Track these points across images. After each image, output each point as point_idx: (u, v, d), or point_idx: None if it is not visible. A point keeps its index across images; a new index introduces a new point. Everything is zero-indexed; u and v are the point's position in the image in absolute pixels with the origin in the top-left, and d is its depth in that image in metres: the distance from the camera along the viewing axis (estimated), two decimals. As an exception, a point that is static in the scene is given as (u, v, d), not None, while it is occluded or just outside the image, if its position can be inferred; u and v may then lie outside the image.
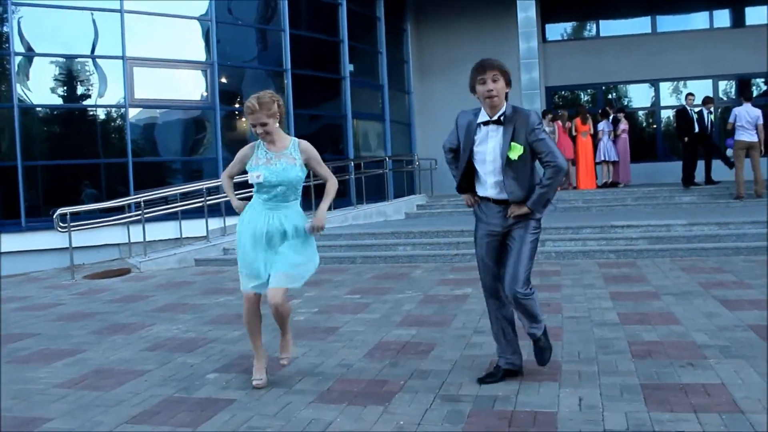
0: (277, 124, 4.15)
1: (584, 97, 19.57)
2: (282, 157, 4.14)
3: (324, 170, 4.33)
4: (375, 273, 8.83)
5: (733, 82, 18.33)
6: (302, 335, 5.44)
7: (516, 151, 3.73)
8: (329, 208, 4.51)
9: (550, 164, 3.75)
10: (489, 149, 3.82)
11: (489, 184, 3.87)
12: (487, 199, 3.92)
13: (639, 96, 19.29)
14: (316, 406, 3.82)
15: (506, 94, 3.80)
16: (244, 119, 13.80)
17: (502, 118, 3.77)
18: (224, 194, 11.68)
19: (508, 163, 3.76)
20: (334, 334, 5.55)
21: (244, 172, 4.30)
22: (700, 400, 3.58)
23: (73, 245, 10.14)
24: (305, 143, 4.27)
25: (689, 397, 3.63)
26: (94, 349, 5.46)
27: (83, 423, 3.74)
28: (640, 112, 19.37)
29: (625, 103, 18.84)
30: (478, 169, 3.89)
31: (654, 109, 19.01)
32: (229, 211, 11.67)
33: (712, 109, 13.68)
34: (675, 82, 18.73)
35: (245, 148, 4.28)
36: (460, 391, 3.93)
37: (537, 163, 3.85)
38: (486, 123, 3.81)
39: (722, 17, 18.70)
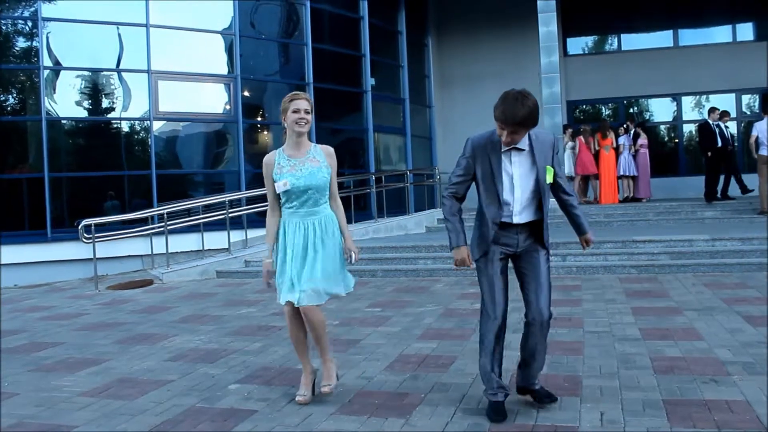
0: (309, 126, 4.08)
1: (605, 111, 19.50)
2: (306, 162, 4.06)
3: (335, 187, 4.22)
4: (395, 286, 8.85)
5: (757, 96, 18.14)
6: (323, 347, 5.47)
7: (551, 174, 3.72)
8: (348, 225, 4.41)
9: (570, 194, 3.95)
10: (518, 174, 3.67)
11: (515, 210, 3.70)
12: (507, 224, 3.73)
13: (661, 110, 19.19)
14: (337, 418, 3.84)
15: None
16: (266, 132, 13.93)
17: (525, 145, 3.68)
18: (246, 207, 11.78)
19: (542, 187, 3.68)
20: (355, 346, 5.57)
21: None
22: (724, 417, 3.55)
23: (97, 256, 10.27)
24: (329, 148, 4.19)
25: (712, 414, 3.60)
26: (118, 359, 5.53)
27: (107, 431, 3.80)
28: (662, 127, 19.26)
29: (647, 117, 18.73)
30: (502, 195, 3.68)
31: (676, 124, 18.88)
32: (251, 223, 11.79)
33: (728, 122, 13.55)
34: (697, 96, 18.61)
35: (267, 157, 4.17)
36: (480, 404, 3.93)
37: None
38: (508, 150, 3.67)
39: (745, 30, 18.56)
